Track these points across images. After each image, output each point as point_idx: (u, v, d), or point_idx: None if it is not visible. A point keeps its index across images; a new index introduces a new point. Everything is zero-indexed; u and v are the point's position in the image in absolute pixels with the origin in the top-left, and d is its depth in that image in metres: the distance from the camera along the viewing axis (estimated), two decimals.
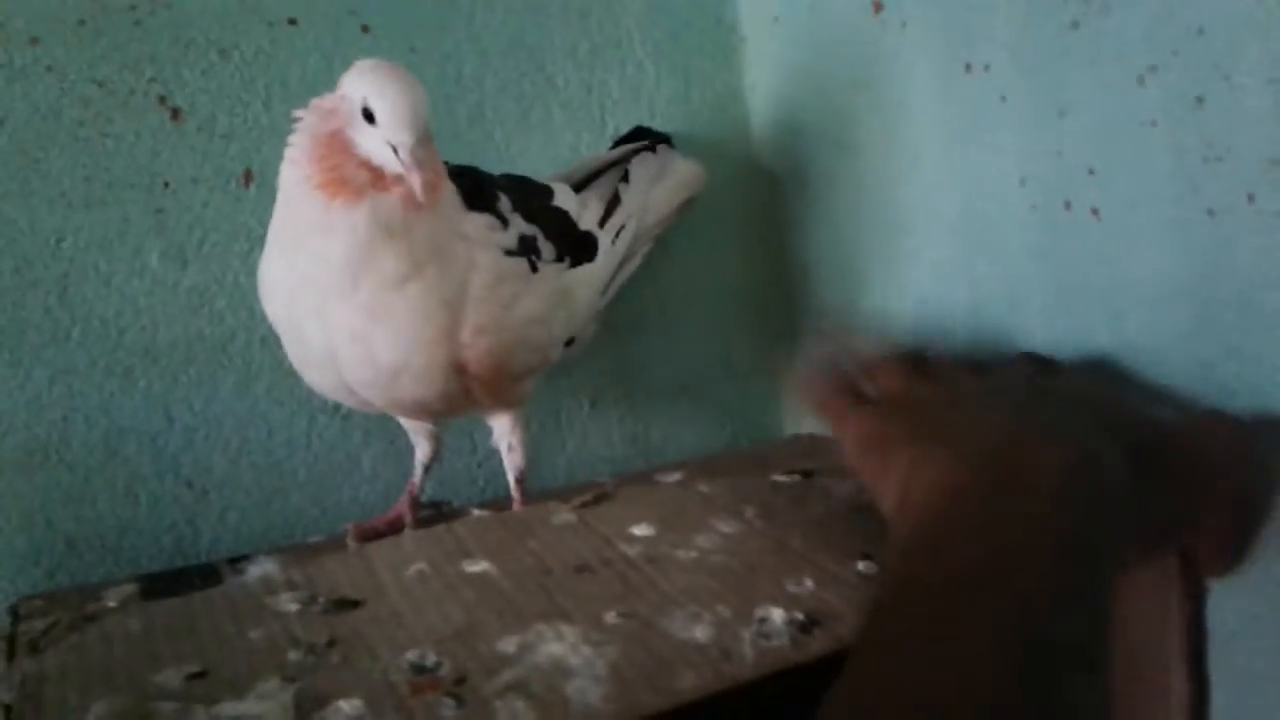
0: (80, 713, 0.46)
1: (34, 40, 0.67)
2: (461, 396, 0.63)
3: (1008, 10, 0.62)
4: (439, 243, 0.60)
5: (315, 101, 0.60)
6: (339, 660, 0.49)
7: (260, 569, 0.61)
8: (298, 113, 0.61)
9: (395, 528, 0.70)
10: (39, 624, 0.58)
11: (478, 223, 0.63)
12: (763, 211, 0.86)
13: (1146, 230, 0.57)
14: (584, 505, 0.65)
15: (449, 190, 0.61)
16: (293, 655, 0.49)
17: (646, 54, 0.83)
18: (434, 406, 0.64)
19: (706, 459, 0.81)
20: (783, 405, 0.90)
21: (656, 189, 0.76)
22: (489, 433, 0.78)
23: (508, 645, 0.49)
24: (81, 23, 0.67)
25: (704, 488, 0.68)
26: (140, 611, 0.56)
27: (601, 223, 0.72)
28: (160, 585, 0.65)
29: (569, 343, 0.70)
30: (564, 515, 0.63)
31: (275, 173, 0.71)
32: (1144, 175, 0.56)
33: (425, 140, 0.57)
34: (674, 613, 0.51)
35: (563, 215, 0.70)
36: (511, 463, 0.69)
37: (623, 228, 0.73)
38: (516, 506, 0.69)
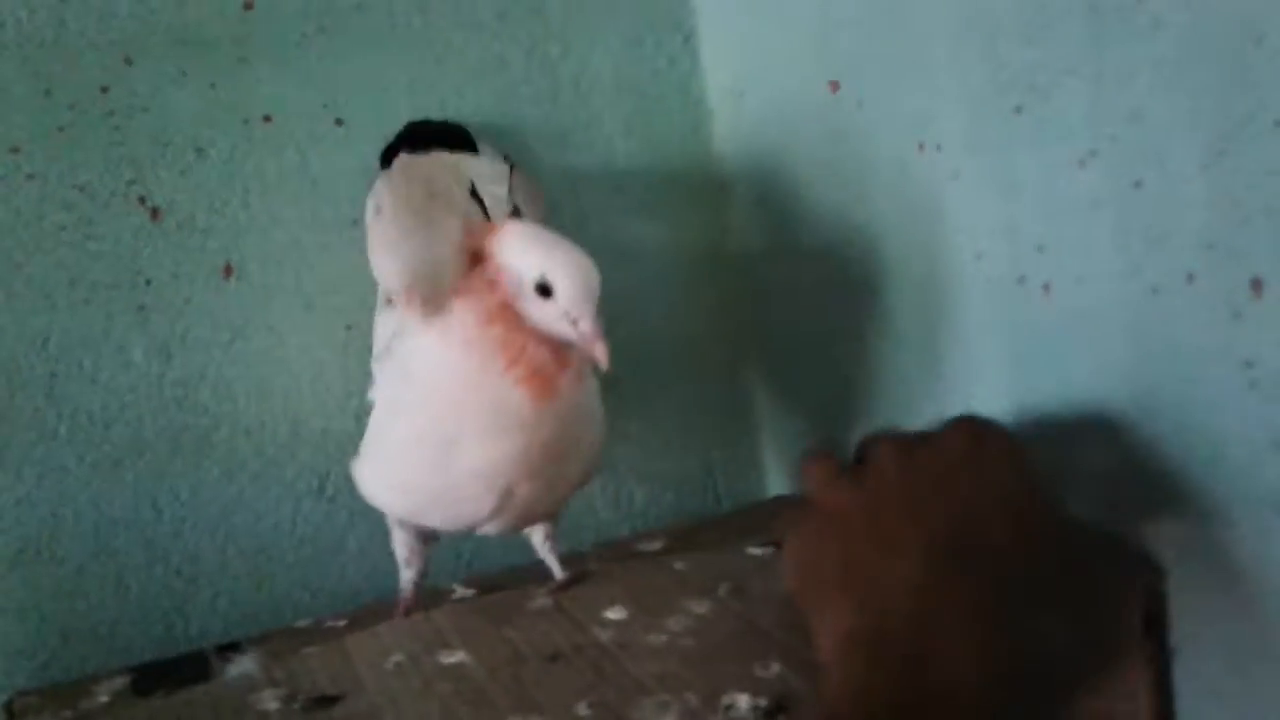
0: None
1: (15, 149, 0.69)
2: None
3: (957, 94, 0.64)
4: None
5: (472, 278, 0.61)
6: None
7: (241, 667, 0.63)
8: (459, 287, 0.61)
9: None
10: None
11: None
12: (737, 278, 0.88)
13: (1095, 306, 0.58)
14: (560, 588, 0.66)
15: None
16: None
17: (616, 132, 0.85)
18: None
19: (687, 527, 0.82)
20: (764, 467, 0.91)
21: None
22: None
23: None
24: (61, 129, 0.70)
25: (680, 564, 0.69)
26: (132, 711, 0.58)
27: None
28: (151, 677, 0.66)
29: None
30: (540, 600, 0.65)
31: (255, 266, 0.73)
32: (1091, 253, 0.58)
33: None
34: (643, 702, 0.53)
35: None
36: (556, 566, 0.71)
37: None
38: (558, 577, 0.71)
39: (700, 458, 0.90)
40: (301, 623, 0.73)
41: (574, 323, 0.58)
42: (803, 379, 0.85)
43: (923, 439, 0.51)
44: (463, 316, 0.60)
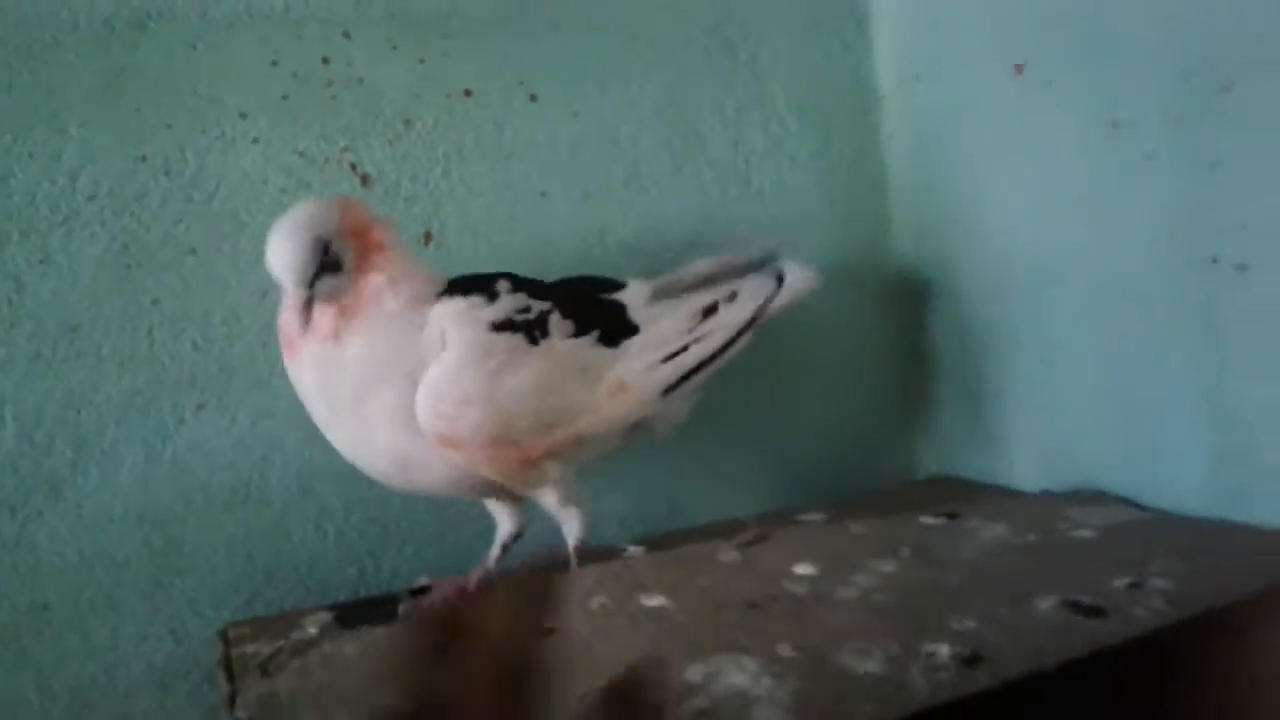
0: None
1: (243, 115, 0.74)
2: (479, 475, 0.66)
3: (1157, 72, 0.65)
4: (391, 346, 0.64)
5: None
6: None
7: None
8: None
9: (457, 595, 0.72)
10: (253, 649, 0.64)
11: (453, 305, 0.66)
12: (897, 262, 0.90)
13: None
14: (746, 544, 0.69)
15: (397, 300, 0.65)
16: None
17: (789, 111, 0.88)
18: (462, 482, 0.68)
19: (847, 501, 0.84)
20: (916, 452, 0.93)
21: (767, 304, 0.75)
22: (636, 474, 0.83)
23: (693, 675, 0.53)
24: (284, 98, 0.74)
25: (857, 528, 0.71)
26: (350, 638, 0.62)
27: (686, 330, 0.72)
28: (352, 614, 0.70)
29: (637, 427, 0.72)
30: (730, 554, 0.67)
31: (452, 233, 0.77)
32: None
33: (316, 280, 0.62)
34: (845, 647, 0.55)
35: (614, 306, 0.71)
36: (570, 532, 0.70)
37: (702, 338, 0.72)
38: (574, 570, 0.70)
39: (855, 437, 0.92)
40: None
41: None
42: (960, 364, 0.87)
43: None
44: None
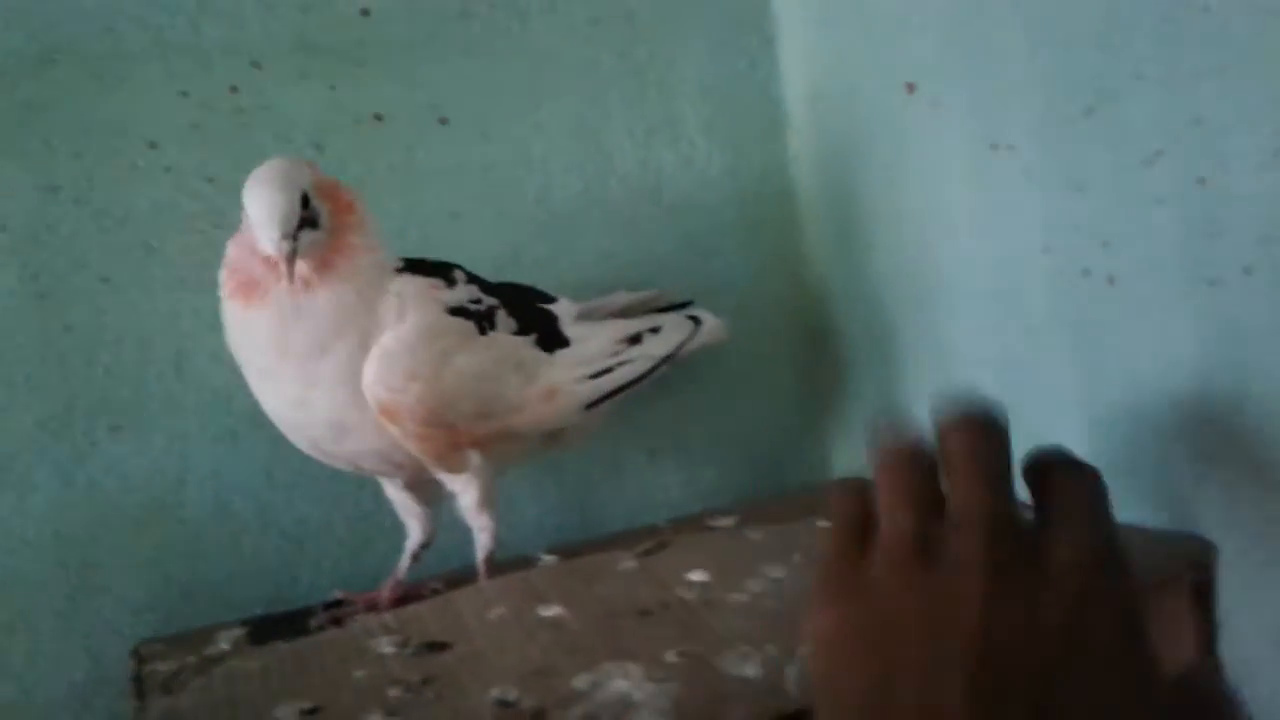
0: None
1: (153, 145, 0.75)
2: (409, 453, 0.68)
3: (1029, 95, 0.68)
4: (355, 307, 0.66)
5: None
6: (433, 697, 0.55)
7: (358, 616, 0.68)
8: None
9: (370, 607, 0.74)
10: (164, 666, 0.65)
11: (414, 282, 0.69)
12: (807, 272, 0.93)
13: (1156, 297, 0.62)
14: (645, 553, 0.71)
15: (364, 260, 0.66)
16: (392, 692, 0.56)
17: (699, 130, 0.90)
18: (390, 458, 0.69)
19: (756, 505, 0.87)
20: (830, 455, 0.95)
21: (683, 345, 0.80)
22: (556, 481, 0.85)
23: (580, 683, 0.55)
24: (194, 126, 0.76)
25: (754, 535, 0.74)
26: (257, 654, 0.64)
27: (612, 353, 0.76)
28: (265, 629, 0.72)
29: (554, 435, 0.75)
30: (627, 563, 0.70)
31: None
32: (1153, 247, 0.62)
33: (300, 231, 0.62)
34: (727, 652, 0.57)
35: (548, 315, 0.75)
36: (481, 543, 0.73)
37: (626, 363, 0.76)
38: (482, 581, 0.72)
39: (768, 442, 0.94)
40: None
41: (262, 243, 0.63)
42: (867, 370, 0.89)
43: (1032, 538, 0.38)
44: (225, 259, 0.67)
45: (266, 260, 0.63)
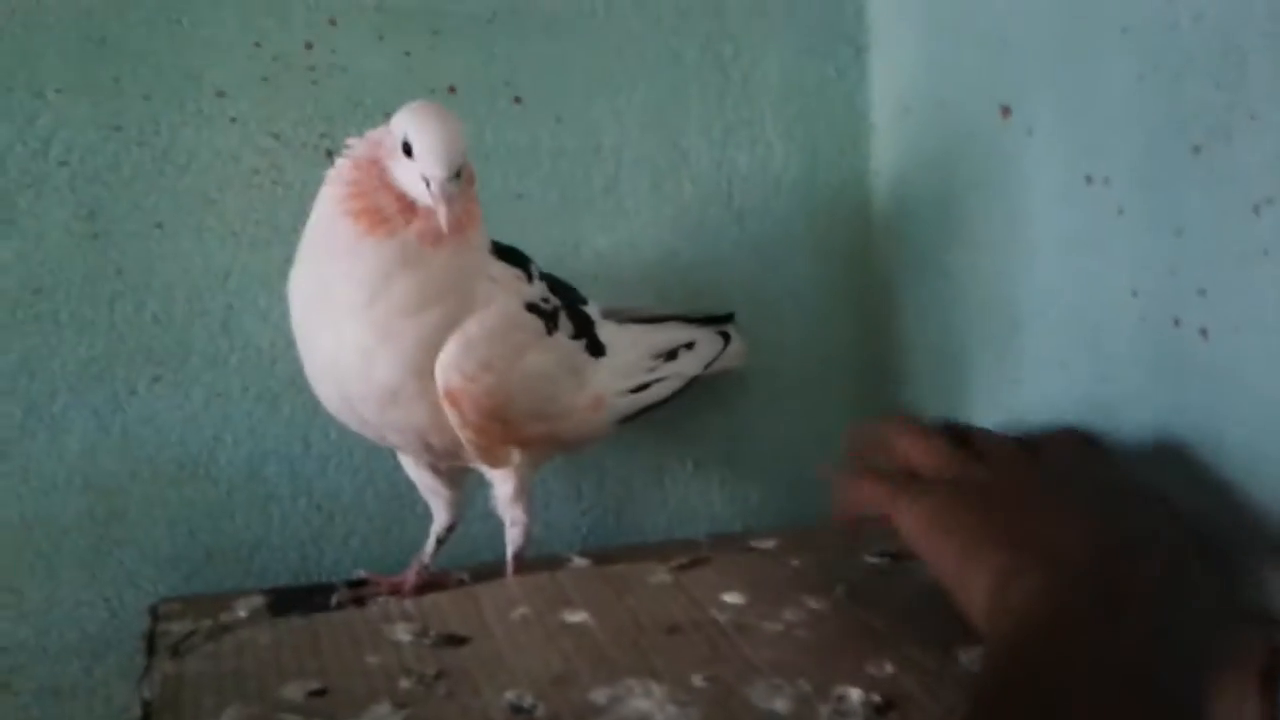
0: (212, 716, 0.51)
1: (221, 93, 0.74)
2: (451, 436, 0.65)
3: (1132, 129, 0.64)
4: (461, 278, 0.63)
5: (368, 133, 0.64)
6: (445, 693, 0.53)
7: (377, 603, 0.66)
8: (349, 140, 0.64)
9: (393, 591, 0.71)
10: (177, 627, 0.64)
11: (505, 270, 0.67)
12: (876, 293, 0.89)
13: (1253, 357, 0.58)
14: (681, 568, 0.69)
15: (481, 232, 0.65)
16: (404, 683, 0.54)
17: (777, 134, 0.87)
18: (427, 437, 0.66)
19: (801, 530, 0.84)
20: None
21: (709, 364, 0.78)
22: (595, 483, 0.83)
23: (599, 696, 0.53)
24: (265, 80, 0.74)
25: (796, 561, 0.70)
26: (270, 626, 0.62)
27: (648, 368, 0.74)
28: (285, 600, 0.70)
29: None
30: (661, 575, 0.67)
31: None
32: (1255, 302, 0.58)
33: (456, 179, 0.60)
34: (757, 682, 0.54)
35: (586, 317, 0.73)
36: (511, 538, 0.71)
37: (662, 379, 0.75)
38: (509, 577, 0.70)
39: (819, 465, 0.91)
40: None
41: (426, 184, 0.59)
42: (930, 399, 0.86)
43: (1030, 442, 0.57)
44: (342, 163, 0.63)
45: (400, 197, 0.61)
